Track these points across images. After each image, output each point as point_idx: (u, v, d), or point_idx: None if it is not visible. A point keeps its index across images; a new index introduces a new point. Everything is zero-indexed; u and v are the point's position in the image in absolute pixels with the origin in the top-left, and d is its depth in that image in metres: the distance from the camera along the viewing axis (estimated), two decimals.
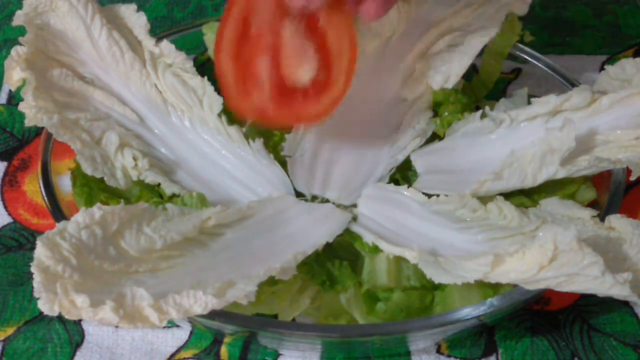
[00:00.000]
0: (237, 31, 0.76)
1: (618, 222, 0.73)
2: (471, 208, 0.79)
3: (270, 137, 0.88)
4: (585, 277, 0.65)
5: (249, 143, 0.86)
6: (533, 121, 0.84)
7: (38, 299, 0.61)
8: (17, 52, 0.80)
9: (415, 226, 0.79)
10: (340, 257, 0.79)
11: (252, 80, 0.77)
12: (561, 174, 0.78)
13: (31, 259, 0.62)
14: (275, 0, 0.74)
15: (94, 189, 0.81)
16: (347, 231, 0.80)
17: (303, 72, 0.77)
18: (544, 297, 0.84)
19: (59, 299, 0.60)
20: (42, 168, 0.82)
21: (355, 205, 0.83)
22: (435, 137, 0.89)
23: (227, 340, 0.82)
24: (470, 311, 0.71)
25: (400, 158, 0.87)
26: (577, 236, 0.66)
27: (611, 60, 1.08)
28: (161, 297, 0.62)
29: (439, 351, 0.81)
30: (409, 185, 0.84)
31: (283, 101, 0.78)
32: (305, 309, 0.77)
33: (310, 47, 0.77)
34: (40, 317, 0.84)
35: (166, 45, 0.87)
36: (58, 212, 0.78)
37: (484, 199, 0.80)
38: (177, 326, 0.83)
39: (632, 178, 0.77)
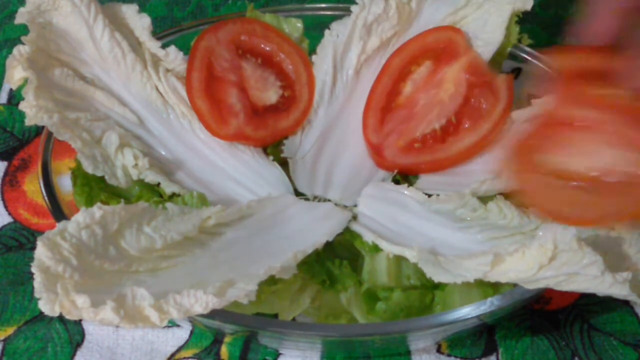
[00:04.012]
0: (203, 74, 0.86)
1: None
2: (471, 207, 0.79)
3: None
4: (585, 276, 0.65)
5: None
6: (534, 121, 0.84)
7: (39, 299, 0.61)
8: (19, 51, 0.80)
9: (415, 225, 0.79)
10: (340, 256, 0.79)
11: (227, 110, 0.86)
12: None
13: (31, 258, 0.62)
14: (233, 43, 0.87)
15: (94, 189, 0.81)
16: (347, 230, 0.80)
17: (269, 95, 0.88)
18: (544, 296, 0.84)
19: (59, 299, 0.60)
20: (43, 168, 0.82)
21: (355, 205, 0.83)
22: None
23: (227, 339, 0.82)
24: (471, 311, 0.71)
25: None
26: (577, 235, 0.66)
27: None
28: (161, 297, 0.62)
29: (439, 350, 0.81)
30: (409, 185, 0.84)
31: (258, 122, 0.87)
32: (305, 308, 0.77)
33: (270, 74, 0.89)
34: (40, 316, 0.84)
35: (173, 51, 0.88)
36: (58, 212, 0.78)
37: (484, 199, 0.80)
38: (178, 326, 0.83)
39: None
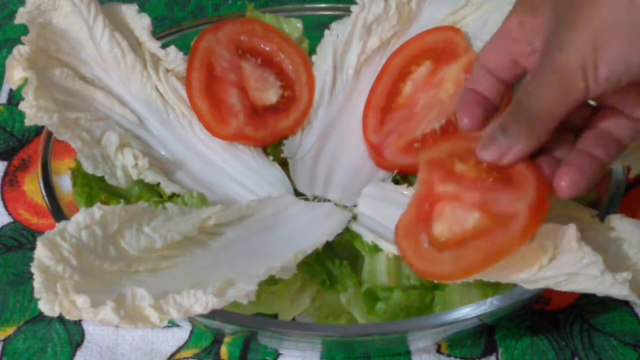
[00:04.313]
0: (203, 74, 0.87)
1: (618, 222, 0.73)
2: None
3: None
4: (585, 276, 0.65)
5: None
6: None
7: (39, 299, 0.61)
8: (19, 51, 0.80)
9: None
10: (340, 256, 0.79)
11: (227, 110, 0.86)
12: None
13: (31, 258, 0.62)
14: (232, 43, 0.88)
15: (94, 189, 0.81)
16: (347, 230, 0.80)
17: (269, 95, 0.88)
18: (544, 296, 0.84)
19: (59, 299, 0.60)
20: (42, 168, 0.82)
21: (355, 205, 0.83)
22: None
23: (227, 339, 0.82)
24: (471, 311, 0.71)
25: None
26: (577, 236, 0.66)
27: None
28: (161, 297, 0.62)
29: (439, 351, 0.81)
30: (409, 185, 0.84)
31: (258, 122, 0.87)
32: (305, 308, 0.77)
33: (270, 74, 0.90)
34: (40, 316, 0.84)
35: (173, 51, 0.88)
36: (58, 212, 0.78)
37: None
38: (178, 326, 0.83)
39: (632, 175, 0.77)
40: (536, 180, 0.65)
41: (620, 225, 0.73)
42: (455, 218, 0.69)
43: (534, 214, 0.64)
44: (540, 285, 0.67)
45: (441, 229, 0.69)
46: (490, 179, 0.67)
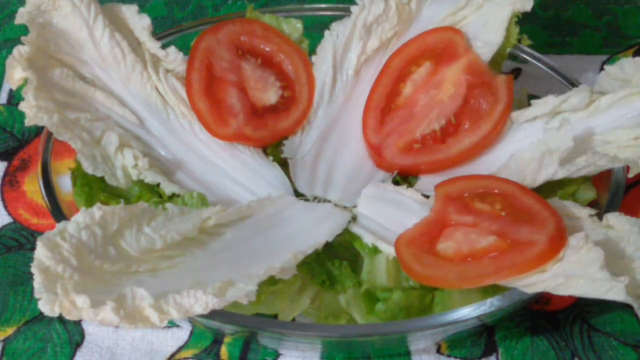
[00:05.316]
0: (203, 75, 0.87)
1: (616, 220, 0.73)
2: None
3: None
4: (583, 279, 0.65)
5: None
6: (533, 122, 0.84)
7: (39, 299, 0.61)
8: (19, 51, 0.80)
9: None
10: (340, 256, 0.79)
11: (227, 111, 0.86)
12: (560, 174, 0.78)
13: (31, 259, 0.62)
14: (232, 43, 0.89)
15: (94, 189, 0.81)
16: (347, 231, 0.80)
17: (269, 95, 0.88)
18: (544, 297, 0.84)
19: (59, 299, 0.60)
20: (42, 168, 0.82)
21: (355, 205, 0.83)
22: None
23: (227, 340, 0.82)
24: (471, 311, 0.71)
25: None
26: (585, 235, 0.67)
27: (611, 60, 1.08)
28: (161, 297, 0.62)
29: (439, 351, 0.81)
30: (409, 186, 0.84)
31: (258, 122, 0.87)
32: (305, 308, 0.77)
33: (270, 74, 0.90)
34: (40, 317, 0.84)
35: (173, 52, 0.88)
36: (58, 212, 0.78)
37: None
38: (177, 326, 0.83)
39: (630, 175, 0.78)
40: (555, 216, 0.72)
41: (618, 223, 0.73)
42: (466, 240, 0.73)
43: (553, 244, 0.69)
44: (539, 289, 0.67)
45: (446, 245, 0.73)
46: (510, 217, 0.72)
